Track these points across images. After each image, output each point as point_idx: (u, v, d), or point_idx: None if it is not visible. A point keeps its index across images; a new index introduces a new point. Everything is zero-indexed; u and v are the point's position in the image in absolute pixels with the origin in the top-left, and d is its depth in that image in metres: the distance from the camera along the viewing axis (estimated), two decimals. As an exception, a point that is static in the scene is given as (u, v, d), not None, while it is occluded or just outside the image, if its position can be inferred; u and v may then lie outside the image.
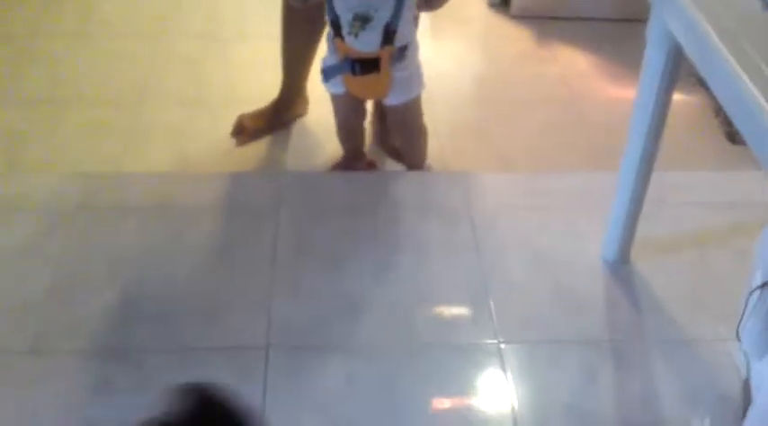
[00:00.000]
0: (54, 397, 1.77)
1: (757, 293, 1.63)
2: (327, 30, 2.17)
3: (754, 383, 1.67)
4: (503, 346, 1.91)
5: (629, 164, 1.96)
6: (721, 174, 2.49)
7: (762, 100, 1.30)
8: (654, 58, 1.80)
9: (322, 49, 2.30)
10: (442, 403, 1.78)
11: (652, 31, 1.78)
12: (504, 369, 1.85)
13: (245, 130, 2.61)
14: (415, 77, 2.22)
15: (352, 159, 2.46)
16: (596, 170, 2.43)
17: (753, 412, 1.50)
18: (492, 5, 3.37)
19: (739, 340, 1.70)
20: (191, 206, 2.27)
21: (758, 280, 1.63)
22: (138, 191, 2.33)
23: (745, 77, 1.35)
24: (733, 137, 2.65)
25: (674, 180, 2.31)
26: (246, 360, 1.85)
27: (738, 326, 1.68)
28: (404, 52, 2.11)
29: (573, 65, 3.07)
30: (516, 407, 1.77)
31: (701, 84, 2.61)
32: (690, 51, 1.59)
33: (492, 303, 1.99)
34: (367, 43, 2.06)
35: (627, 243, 2.08)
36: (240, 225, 2.21)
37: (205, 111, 2.70)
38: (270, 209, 2.25)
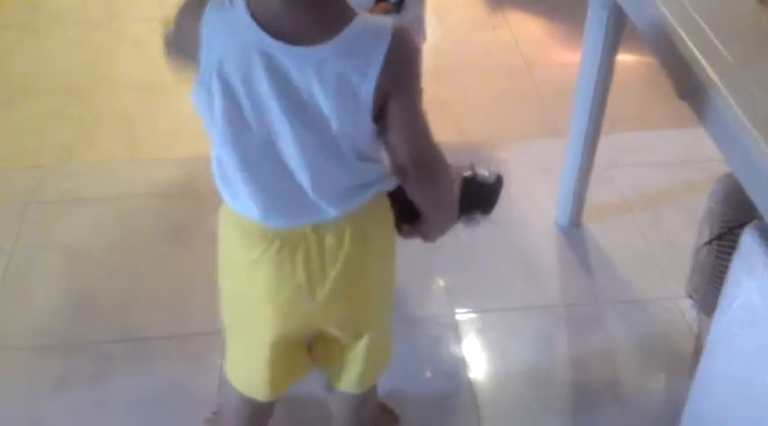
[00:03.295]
0: (10, 393, 1.77)
1: (705, 249, 1.64)
2: None
3: (704, 337, 1.69)
4: (458, 317, 1.92)
5: (576, 128, 1.97)
6: (674, 132, 2.50)
7: (695, 50, 1.32)
8: (596, 18, 1.81)
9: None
10: (401, 375, 1.79)
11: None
12: (459, 339, 1.86)
13: None
14: None
15: None
16: (552, 136, 2.44)
17: (701, 368, 1.52)
18: (442, -27, 3.35)
19: (690, 297, 1.72)
20: (143, 193, 2.26)
21: (705, 237, 1.65)
22: (90, 182, 2.32)
23: (680, 31, 1.37)
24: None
25: (625, 141, 2.33)
26: (202, 346, 1.85)
27: (688, 283, 1.70)
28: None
29: (525, 30, 3.06)
30: (473, 375, 1.78)
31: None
32: (627, 7, 1.60)
33: (445, 275, 2.00)
34: None
35: (579, 206, 2.10)
36: (194, 210, 2.19)
37: (156, 96, 2.67)
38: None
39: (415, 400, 1.74)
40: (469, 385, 1.76)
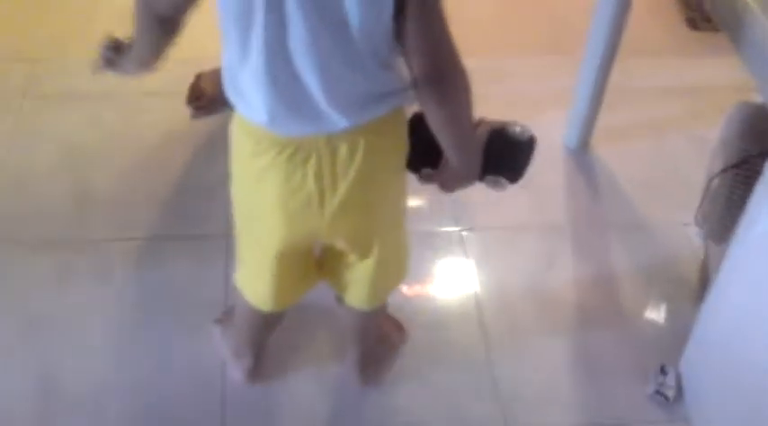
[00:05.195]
0: (9, 287, 1.74)
1: (718, 178, 1.64)
2: None
3: (711, 264, 1.71)
4: (464, 233, 1.91)
5: (592, 51, 1.94)
6: (681, 60, 2.48)
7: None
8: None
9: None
10: (407, 290, 1.79)
11: None
12: (465, 255, 1.86)
13: (204, 96, 2.08)
14: None
15: None
16: (556, 53, 2.40)
17: (712, 294, 1.53)
18: None
19: (698, 224, 1.72)
20: (143, 91, 2.20)
21: (719, 166, 1.65)
22: (86, 77, 2.24)
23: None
24: (694, 23, 2.63)
25: (633, 66, 2.30)
26: (206, 249, 1.83)
27: (697, 211, 1.70)
28: None
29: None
30: (479, 291, 1.79)
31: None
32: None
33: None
34: None
35: (588, 129, 2.08)
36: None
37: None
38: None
39: (421, 313, 1.75)
40: (475, 300, 1.77)
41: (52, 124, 2.11)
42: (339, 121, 1.13)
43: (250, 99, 1.13)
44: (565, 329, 1.74)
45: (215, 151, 2.04)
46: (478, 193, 1.97)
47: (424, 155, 1.24)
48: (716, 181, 1.65)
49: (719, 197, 1.64)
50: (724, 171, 1.63)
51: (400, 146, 1.25)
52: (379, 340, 1.64)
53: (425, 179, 1.30)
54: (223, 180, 1.95)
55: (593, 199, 2.01)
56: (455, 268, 1.85)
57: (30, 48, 2.36)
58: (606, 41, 1.89)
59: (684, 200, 1.95)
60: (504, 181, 1.29)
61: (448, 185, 1.29)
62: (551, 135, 2.13)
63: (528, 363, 1.67)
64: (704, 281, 1.76)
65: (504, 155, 1.26)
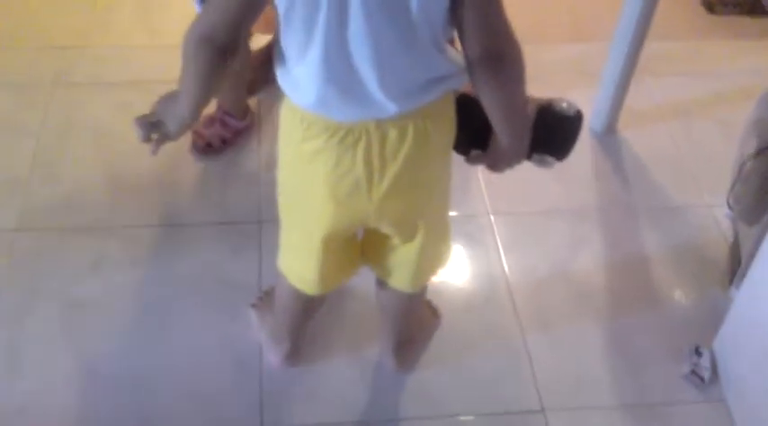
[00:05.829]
0: (47, 274, 1.75)
1: (751, 160, 1.65)
2: None
3: (743, 246, 1.72)
4: (493, 218, 1.93)
5: (622, 34, 1.95)
6: (700, 44, 2.49)
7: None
8: None
9: None
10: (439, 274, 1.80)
11: None
12: (495, 240, 1.87)
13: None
14: None
15: None
16: (580, 41, 2.41)
17: (749, 275, 1.55)
18: None
19: (729, 207, 1.73)
20: (169, 79, 2.20)
21: (752, 149, 1.65)
22: (113, 66, 2.26)
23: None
24: (711, 6, 2.63)
25: (655, 50, 2.30)
26: (239, 234, 1.84)
27: (729, 194, 1.71)
28: None
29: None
30: (509, 276, 1.80)
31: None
32: None
33: (480, 176, 2.00)
34: None
35: (615, 113, 2.09)
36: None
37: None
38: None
39: (453, 298, 1.76)
40: (506, 284, 1.78)
41: (83, 112, 2.12)
42: (390, 108, 1.14)
43: (303, 86, 1.14)
44: (597, 312, 1.75)
45: (246, 137, 2.05)
46: (507, 179, 2.00)
47: (473, 137, 1.25)
48: (749, 163, 1.66)
49: (753, 178, 1.64)
50: (758, 153, 1.64)
51: (448, 129, 1.25)
52: (417, 324, 1.65)
53: (474, 160, 1.31)
54: (254, 166, 1.99)
55: (621, 182, 2.02)
56: (485, 252, 1.86)
57: (59, 37, 2.37)
58: (636, 25, 1.90)
59: (711, 183, 1.97)
60: (550, 159, 1.30)
61: (497, 165, 1.29)
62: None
63: (562, 346, 1.68)
64: (734, 263, 1.77)
65: (552, 132, 1.26)
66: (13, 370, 1.59)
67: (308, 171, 1.23)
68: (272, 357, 1.62)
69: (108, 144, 2.03)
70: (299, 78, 1.14)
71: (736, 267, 1.75)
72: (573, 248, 1.87)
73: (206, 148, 2.00)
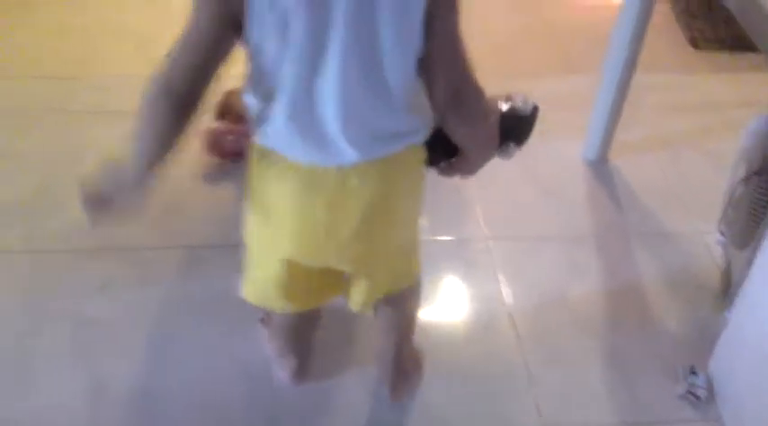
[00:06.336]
0: (57, 294, 1.78)
1: (741, 185, 1.71)
2: None
3: (735, 270, 1.77)
4: (490, 243, 1.97)
5: (612, 66, 2.02)
6: (687, 77, 2.57)
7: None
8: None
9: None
10: (437, 296, 1.85)
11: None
12: (493, 264, 1.92)
13: (232, 113, 2.05)
14: None
15: None
16: (567, 73, 2.48)
17: (742, 295, 1.60)
18: None
19: (720, 232, 1.79)
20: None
21: (741, 174, 1.71)
22: (113, 95, 2.29)
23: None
24: (696, 42, 2.73)
25: (643, 83, 2.38)
26: (246, 256, 1.86)
27: (720, 220, 1.77)
28: None
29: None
30: (509, 300, 1.84)
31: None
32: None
33: (478, 204, 2.06)
34: None
35: (607, 142, 2.15)
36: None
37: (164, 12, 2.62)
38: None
39: (453, 321, 1.80)
40: (506, 307, 1.82)
41: (84, 139, 2.15)
42: (352, 155, 1.16)
43: (268, 124, 1.16)
44: (595, 332, 1.79)
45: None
46: (503, 206, 2.05)
47: (441, 152, 1.30)
48: (740, 189, 1.72)
49: (743, 203, 1.70)
50: (747, 178, 1.70)
51: (413, 170, 1.28)
52: (411, 357, 1.66)
53: (444, 172, 1.35)
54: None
55: (614, 209, 2.08)
56: (484, 276, 1.90)
57: (59, 66, 2.42)
58: (625, 58, 1.97)
59: (701, 210, 2.04)
60: (512, 147, 1.37)
61: (467, 171, 1.34)
62: (570, 149, 2.21)
63: (562, 368, 1.72)
64: (727, 287, 1.82)
65: (514, 129, 1.35)
66: (25, 388, 1.60)
67: (268, 212, 1.26)
68: (281, 372, 1.64)
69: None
70: (264, 116, 1.16)
71: (728, 290, 1.80)
72: (569, 273, 1.92)
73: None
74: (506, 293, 1.86)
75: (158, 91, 1.08)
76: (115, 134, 2.11)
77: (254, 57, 1.10)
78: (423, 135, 1.22)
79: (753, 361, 1.56)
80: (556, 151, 2.20)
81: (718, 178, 1.83)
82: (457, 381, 1.68)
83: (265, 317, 1.70)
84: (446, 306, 1.83)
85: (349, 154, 1.16)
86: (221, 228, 1.94)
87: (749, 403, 1.57)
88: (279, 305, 1.46)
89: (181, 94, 1.08)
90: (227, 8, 1.05)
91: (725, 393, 1.65)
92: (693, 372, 1.69)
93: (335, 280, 1.46)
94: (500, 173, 2.10)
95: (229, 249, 1.88)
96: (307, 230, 1.25)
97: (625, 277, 1.92)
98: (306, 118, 1.12)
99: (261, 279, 1.43)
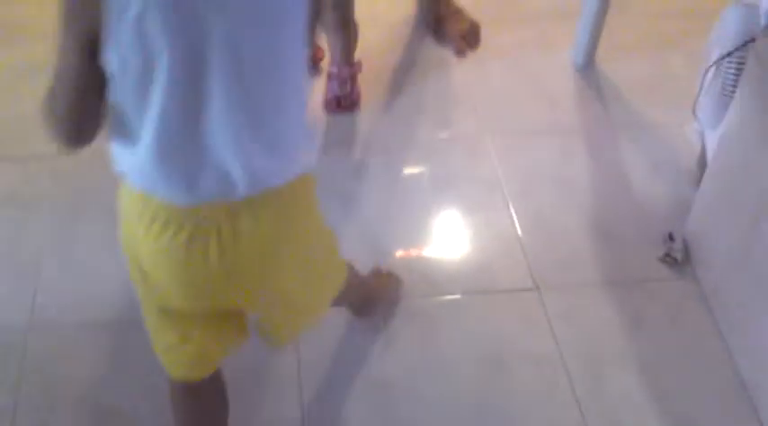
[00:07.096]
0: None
1: (712, 70, 1.87)
2: None
3: (708, 149, 1.94)
4: (485, 137, 2.15)
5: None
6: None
7: None
8: None
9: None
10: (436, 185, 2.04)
11: None
12: (490, 155, 2.10)
13: None
14: None
15: None
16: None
17: (713, 162, 1.76)
18: None
19: (695, 115, 1.95)
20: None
21: (714, 58, 1.87)
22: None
23: None
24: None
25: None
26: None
27: (695, 104, 1.93)
28: None
29: None
30: (503, 179, 2.04)
31: None
32: None
33: (477, 105, 2.24)
34: None
35: (593, 46, 2.31)
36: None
37: None
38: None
39: (455, 200, 2.00)
40: (500, 185, 2.02)
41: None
42: (240, 187, 1.06)
43: (144, 168, 1.05)
44: (584, 207, 1.98)
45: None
46: (498, 106, 2.20)
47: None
48: (710, 73, 1.88)
49: (715, 86, 1.86)
50: (718, 61, 1.85)
51: (306, 204, 1.20)
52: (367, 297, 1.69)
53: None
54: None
55: (601, 106, 2.25)
56: (483, 165, 2.08)
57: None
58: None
59: (681, 105, 2.17)
60: None
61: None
62: (560, 54, 2.37)
63: (552, 235, 1.91)
64: (703, 166, 1.98)
65: None
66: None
67: (151, 261, 1.14)
68: None
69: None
70: (132, 155, 1.05)
71: (704, 170, 1.96)
72: (561, 159, 2.10)
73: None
74: (503, 175, 2.04)
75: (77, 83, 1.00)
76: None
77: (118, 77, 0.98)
78: (311, 161, 1.14)
79: (721, 225, 1.74)
80: (547, 58, 2.37)
81: (699, 75, 1.97)
82: (454, 249, 1.87)
83: None
84: (449, 188, 2.03)
85: (237, 187, 1.06)
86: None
87: (718, 262, 1.75)
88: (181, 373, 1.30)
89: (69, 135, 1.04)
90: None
91: (698, 255, 1.83)
92: (671, 238, 1.86)
93: (236, 322, 1.30)
94: (495, 80, 2.30)
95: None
96: (198, 278, 1.13)
97: (612, 160, 2.10)
98: (186, 155, 1.03)
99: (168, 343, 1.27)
